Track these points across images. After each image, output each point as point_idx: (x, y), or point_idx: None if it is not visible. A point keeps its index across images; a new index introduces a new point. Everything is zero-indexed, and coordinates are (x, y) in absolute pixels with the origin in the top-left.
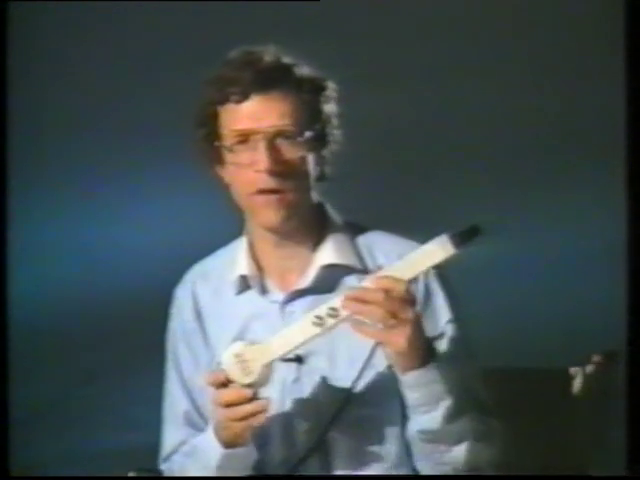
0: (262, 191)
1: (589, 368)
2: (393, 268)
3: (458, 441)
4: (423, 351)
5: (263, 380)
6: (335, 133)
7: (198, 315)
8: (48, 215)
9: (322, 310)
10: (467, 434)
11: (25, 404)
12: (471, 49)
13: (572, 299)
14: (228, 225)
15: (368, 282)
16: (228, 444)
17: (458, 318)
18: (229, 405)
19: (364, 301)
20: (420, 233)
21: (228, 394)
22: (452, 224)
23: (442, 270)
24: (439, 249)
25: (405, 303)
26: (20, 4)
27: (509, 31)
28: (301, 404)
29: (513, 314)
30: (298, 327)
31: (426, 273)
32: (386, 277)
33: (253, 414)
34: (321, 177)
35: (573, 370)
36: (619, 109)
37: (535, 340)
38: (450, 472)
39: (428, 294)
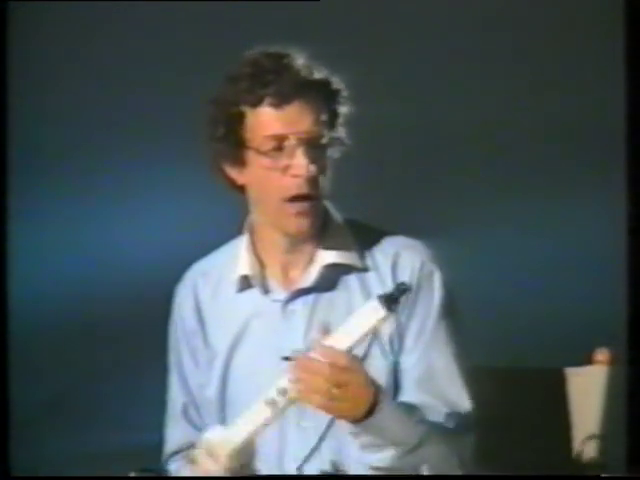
0: (296, 197)
1: (590, 367)
2: (334, 337)
3: (417, 469)
4: (366, 407)
5: (233, 467)
6: (347, 138)
7: (199, 315)
8: (48, 215)
9: (272, 392)
10: (427, 460)
11: (25, 404)
12: (473, 51)
13: (572, 299)
14: (228, 224)
15: (314, 352)
16: None
17: (450, 326)
18: None
19: (310, 372)
20: (422, 232)
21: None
22: (453, 224)
23: (440, 268)
24: (371, 312)
25: (348, 373)
26: (20, 4)
27: (511, 34)
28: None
29: (513, 314)
30: (250, 413)
31: (421, 268)
32: (329, 349)
33: None
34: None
35: (573, 370)
36: (619, 111)
37: (535, 340)
38: None
39: (427, 292)
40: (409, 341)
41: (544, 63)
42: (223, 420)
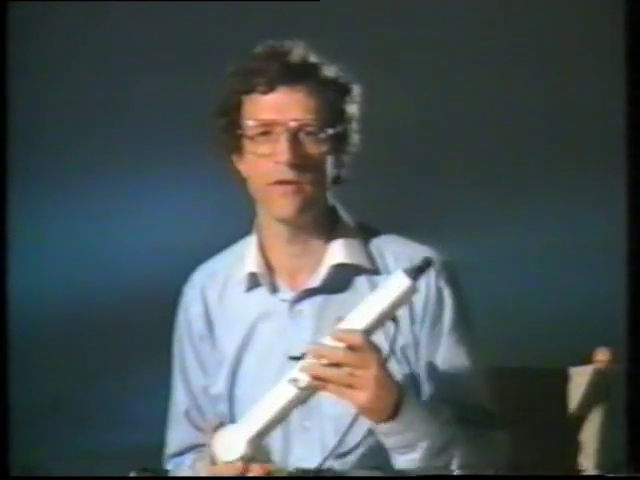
0: (280, 182)
1: (589, 367)
2: (352, 318)
3: (446, 468)
4: (390, 403)
5: (250, 454)
6: (355, 137)
7: (207, 320)
8: (49, 215)
9: (295, 371)
10: (456, 462)
11: (25, 404)
12: (474, 52)
13: (572, 299)
14: (232, 224)
15: (328, 339)
16: None
17: (464, 330)
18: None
19: (321, 358)
20: (422, 233)
21: (219, 470)
22: (452, 225)
23: (453, 276)
24: (395, 285)
25: (364, 358)
26: (20, 4)
27: (512, 34)
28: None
29: (513, 314)
30: (274, 394)
31: (437, 277)
32: (342, 331)
33: None
34: (337, 180)
35: (573, 370)
36: (619, 109)
37: (535, 340)
38: None
39: (440, 300)
40: (424, 350)
41: (545, 62)
42: (230, 421)
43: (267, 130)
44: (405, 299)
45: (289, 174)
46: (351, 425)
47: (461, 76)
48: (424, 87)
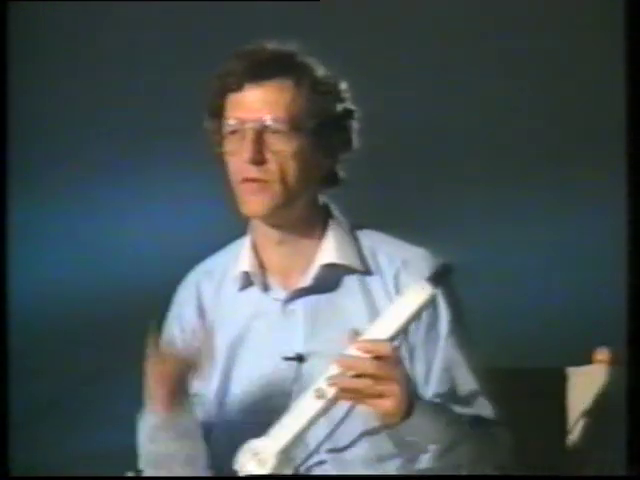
0: (246, 179)
1: (589, 367)
2: (375, 327)
3: (456, 467)
4: (408, 407)
5: (282, 467)
6: (340, 134)
7: (201, 313)
8: (49, 215)
9: (321, 382)
10: (464, 459)
11: (25, 404)
12: (473, 50)
13: (572, 299)
14: (231, 225)
15: (353, 348)
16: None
17: (461, 328)
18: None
19: (354, 371)
20: (422, 232)
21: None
22: (452, 224)
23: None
24: (418, 293)
25: (392, 366)
26: (20, 4)
27: (512, 33)
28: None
29: (513, 314)
30: (300, 406)
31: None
32: (369, 342)
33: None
34: (328, 179)
35: (572, 370)
36: (619, 107)
37: (535, 340)
38: None
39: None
40: (420, 355)
41: (545, 61)
42: (221, 419)
43: (237, 128)
44: (426, 307)
45: (253, 172)
46: (341, 421)
47: (461, 75)
48: (423, 86)
